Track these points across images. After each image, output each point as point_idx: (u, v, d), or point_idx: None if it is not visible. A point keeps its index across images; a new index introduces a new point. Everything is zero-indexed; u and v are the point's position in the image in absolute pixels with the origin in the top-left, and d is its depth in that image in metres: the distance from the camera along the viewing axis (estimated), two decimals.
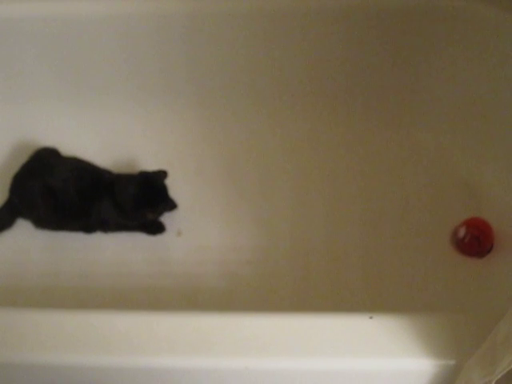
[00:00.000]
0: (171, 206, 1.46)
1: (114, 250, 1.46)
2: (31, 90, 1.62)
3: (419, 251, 1.41)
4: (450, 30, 1.47)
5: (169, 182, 1.44)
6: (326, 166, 1.58)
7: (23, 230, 1.48)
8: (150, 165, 1.51)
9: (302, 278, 1.39)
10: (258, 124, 1.63)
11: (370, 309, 1.04)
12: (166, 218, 1.48)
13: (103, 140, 1.62)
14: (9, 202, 1.48)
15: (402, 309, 1.03)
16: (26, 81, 1.61)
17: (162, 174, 1.42)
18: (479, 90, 1.50)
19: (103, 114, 1.64)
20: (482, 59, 1.46)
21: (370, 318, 1.00)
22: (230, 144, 1.61)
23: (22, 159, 1.49)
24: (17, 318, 1.04)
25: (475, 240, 1.39)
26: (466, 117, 1.55)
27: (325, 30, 1.49)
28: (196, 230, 1.47)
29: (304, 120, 1.63)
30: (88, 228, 1.47)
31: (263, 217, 1.49)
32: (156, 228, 1.48)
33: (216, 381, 1.05)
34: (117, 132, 1.63)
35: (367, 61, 1.55)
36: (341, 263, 1.42)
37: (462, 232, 1.41)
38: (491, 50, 1.43)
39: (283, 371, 1.01)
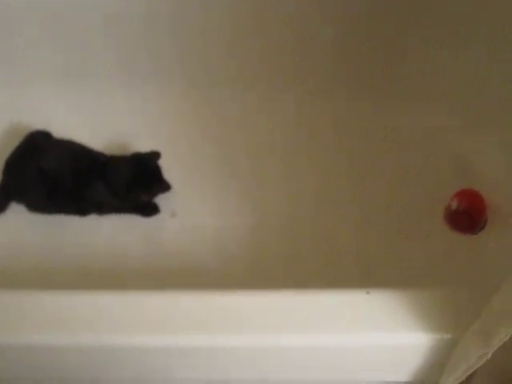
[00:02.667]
0: (165, 187, 1.46)
1: (108, 233, 1.46)
2: (23, 74, 1.61)
3: (413, 228, 1.42)
4: (444, 13, 1.47)
5: (162, 163, 1.43)
6: (317, 146, 1.57)
7: (16, 214, 1.47)
8: (142, 147, 1.49)
9: (296, 256, 1.39)
10: (250, 106, 1.62)
11: (365, 285, 1.04)
12: (160, 200, 1.48)
13: (95, 123, 1.60)
14: (2, 186, 1.47)
15: (397, 285, 1.03)
16: (17, 64, 1.60)
17: (154, 155, 1.42)
18: (470, 69, 1.51)
19: (95, 97, 1.63)
20: (474, 40, 1.47)
21: (367, 293, 1.01)
22: (223, 125, 1.60)
23: (14, 143, 1.48)
24: (9, 299, 1.04)
25: (467, 213, 1.40)
26: (459, 94, 1.55)
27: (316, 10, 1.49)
28: (190, 211, 1.47)
29: (296, 101, 1.62)
30: (82, 211, 1.46)
31: (256, 196, 1.49)
32: (150, 210, 1.48)
33: (212, 359, 1.06)
34: (109, 115, 1.62)
35: (357, 43, 1.55)
36: (334, 241, 1.42)
37: (454, 204, 1.41)
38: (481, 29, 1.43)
39: (281, 348, 1.01)
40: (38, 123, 1.56)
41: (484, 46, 1.47)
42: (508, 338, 0.84)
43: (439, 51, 1.53)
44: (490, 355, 0.88)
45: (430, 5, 1.48)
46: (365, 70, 1.60)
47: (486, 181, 1.44)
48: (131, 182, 1.40)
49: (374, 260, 1.36)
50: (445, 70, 1.55)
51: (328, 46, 1.57)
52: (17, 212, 1.47)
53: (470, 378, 0.96)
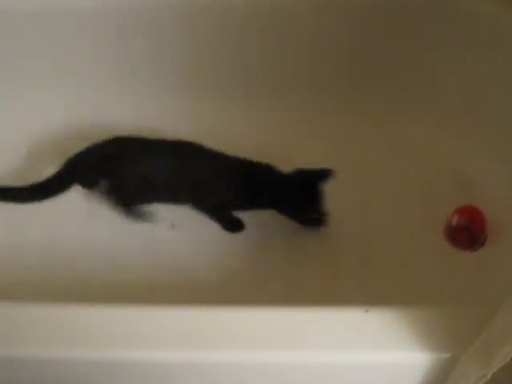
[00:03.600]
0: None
1: (108, 243, 1.45)
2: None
3: (413, 245, 1.41)
4: (443, 24, 1.48)
5: None
6: (315, 159, 1.56)
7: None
8: None
9: (295, 270, 1.39)
10: (250, 113, 1.63)
11: (364, 302, 1.03)
12: (160, 211, 1.47)
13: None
14: (63, 177, 1.46)
15: (397, 302, 1.03)
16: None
17: (326, 173, 1.36)
18: (470, 81, 1.51)
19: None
20: (474, 52, 1.47)
21: (366, 311, 1.00)
22: (222, 133, 1.59)
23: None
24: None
25: (467, 229, 1.40)
26: (457, 107, 1.55)
27: (320, 19, 1.50)
28: (190, 223, 1.46)
29: (293, 110, 1.63)
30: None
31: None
32: (236, 225, 1.46)
33: (207, 375, 1.05)
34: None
35: (359, 54, 1.56)
36: (334, 257, 1.41)
37: (454, 220, 1.41)
38: (483, 43, 1.44)
39: (279, 365, 1.00)
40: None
41: (485, 58, 1.48)
42: (509, 359, 0.83)
43: (441, 63, 1.54)
44: (489, 376, 0.87)
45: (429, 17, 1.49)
46: (366, 83, 1.61)
47: (486, 197, 1.44)
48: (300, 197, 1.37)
49: (374, 277, 1.36)
50: (445, 83, 1.56)
51: (329, 58, 1.58)
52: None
53: None
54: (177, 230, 1.46)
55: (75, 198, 1.48)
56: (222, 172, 1.42)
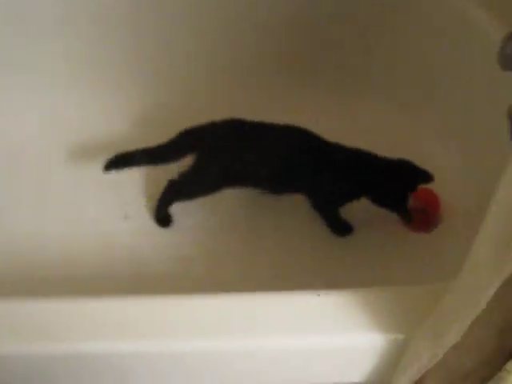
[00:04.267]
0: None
1: (61, 237, 1.42)
2: None
3: (367, 226, 1.42)
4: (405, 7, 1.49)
5: None
6: None
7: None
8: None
9: (251, 257, 1.39)
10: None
11: (319, 287, 1.03)
12: (112, 202, 1.45)
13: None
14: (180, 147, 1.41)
15: (350, 285, 1.02)
16: None
17: (428, 177, 1.36)
18: (419, 60, 1.54)
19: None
20: (434, 37, 1.49)
21: (318, 295, 1.00)
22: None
23: None
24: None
25: (423, 210, 1.40)
26: (418, 94, 1.57)
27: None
28: (143, 213, 1.45)
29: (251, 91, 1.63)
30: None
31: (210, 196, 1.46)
32: (344, 228, 1.43)
33: (158, 364, 1.04)
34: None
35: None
36: (289, 243, 1.41)
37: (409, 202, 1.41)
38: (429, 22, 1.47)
39: (232, 352, 1.00)
40: None
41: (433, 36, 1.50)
42: (459, 338, 0.84)
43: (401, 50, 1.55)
44: (441, 355, 0.88)
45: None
46: (327, 67, 1.62)
47: (441, 180, 1.45)
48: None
49: (328, 262, 1.36)
50: (395, 62, 1.58)
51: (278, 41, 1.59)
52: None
53: (422, 377, 0.95)
54: (130, 220, 1.44)
55: (27, 190, 1.47)
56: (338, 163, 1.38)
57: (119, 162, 1.41)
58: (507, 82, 1.15)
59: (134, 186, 1.49)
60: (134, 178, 1.49)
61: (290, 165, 1.37)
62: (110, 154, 1.40)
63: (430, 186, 1.40)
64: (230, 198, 1.44)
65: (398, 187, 1.36)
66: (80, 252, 1.40)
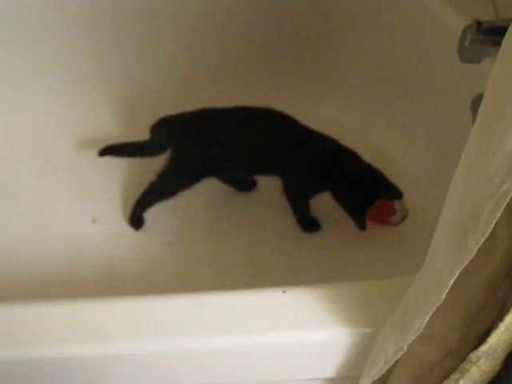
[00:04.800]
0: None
1: (28, 242, 1.41)
2: None
3: (330, 220, 1.42)
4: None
5: (81, 165, 1.40)
6: None
7: None
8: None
9: (220, 257, 1.39)
10: None
11: (286, 284, 1.03)
12: (79, 205, 1.44)
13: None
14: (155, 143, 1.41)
15: (315, 281, 1.03)
16: None
17: (397, 194, 1.35)
18: (376, 60, 1.54)
19: None
20: (396, 33, 1.49)
21: (284, 292, 1.00)
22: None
23: None
24: None
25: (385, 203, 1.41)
26: (373, 89, 1.57)
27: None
28: (110, 215, 1.44)
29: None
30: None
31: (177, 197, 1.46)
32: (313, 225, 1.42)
33: (134, 366, 1.03)
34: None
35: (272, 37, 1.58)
36: (258, 241, 1.41)
37: None
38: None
39: (198, 351, 0.99)
40: None
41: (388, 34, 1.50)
42: (422, 330, 0.84)
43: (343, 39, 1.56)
44: (405, 348, 0.88)
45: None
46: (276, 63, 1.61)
47: (409, 175, 1.46)
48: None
49: (297, 259, 1.36)
50: (353, 62, 1.58)
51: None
52: None
53: (390, 370, 0.96)
54: (98, 224, 1.44)
55: None
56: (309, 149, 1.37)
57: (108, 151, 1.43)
58: (469, 75, 1.17)
59: (102, 189, 1.48)
60: (101, 181, 1.49)
61: (266, 145, 1.36)
62: (77, 158, 1.40)
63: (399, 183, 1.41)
64: (198, 198, 1.44)
65: (363, 193, 1.34)
66: (48, 256, 1.39)
